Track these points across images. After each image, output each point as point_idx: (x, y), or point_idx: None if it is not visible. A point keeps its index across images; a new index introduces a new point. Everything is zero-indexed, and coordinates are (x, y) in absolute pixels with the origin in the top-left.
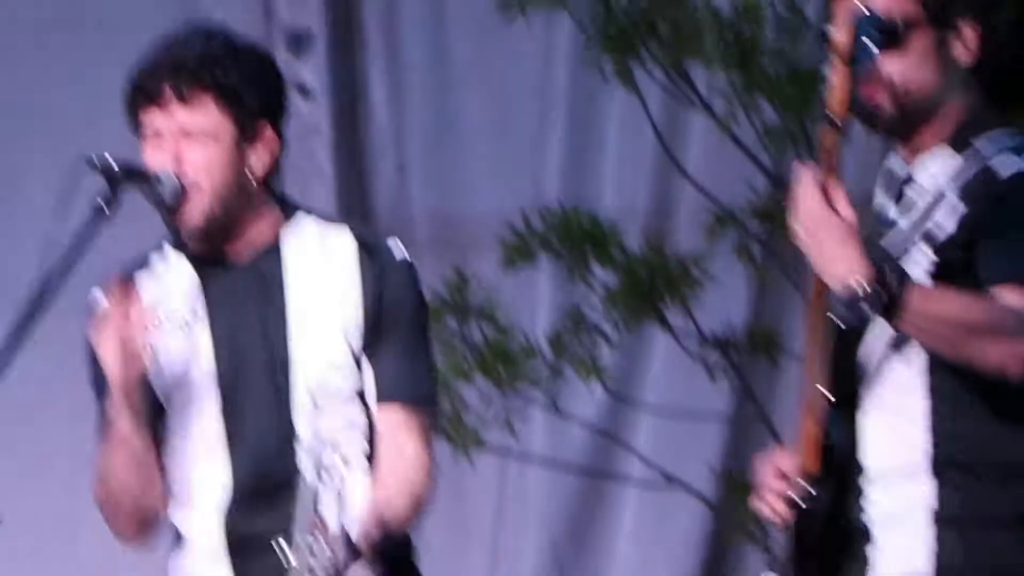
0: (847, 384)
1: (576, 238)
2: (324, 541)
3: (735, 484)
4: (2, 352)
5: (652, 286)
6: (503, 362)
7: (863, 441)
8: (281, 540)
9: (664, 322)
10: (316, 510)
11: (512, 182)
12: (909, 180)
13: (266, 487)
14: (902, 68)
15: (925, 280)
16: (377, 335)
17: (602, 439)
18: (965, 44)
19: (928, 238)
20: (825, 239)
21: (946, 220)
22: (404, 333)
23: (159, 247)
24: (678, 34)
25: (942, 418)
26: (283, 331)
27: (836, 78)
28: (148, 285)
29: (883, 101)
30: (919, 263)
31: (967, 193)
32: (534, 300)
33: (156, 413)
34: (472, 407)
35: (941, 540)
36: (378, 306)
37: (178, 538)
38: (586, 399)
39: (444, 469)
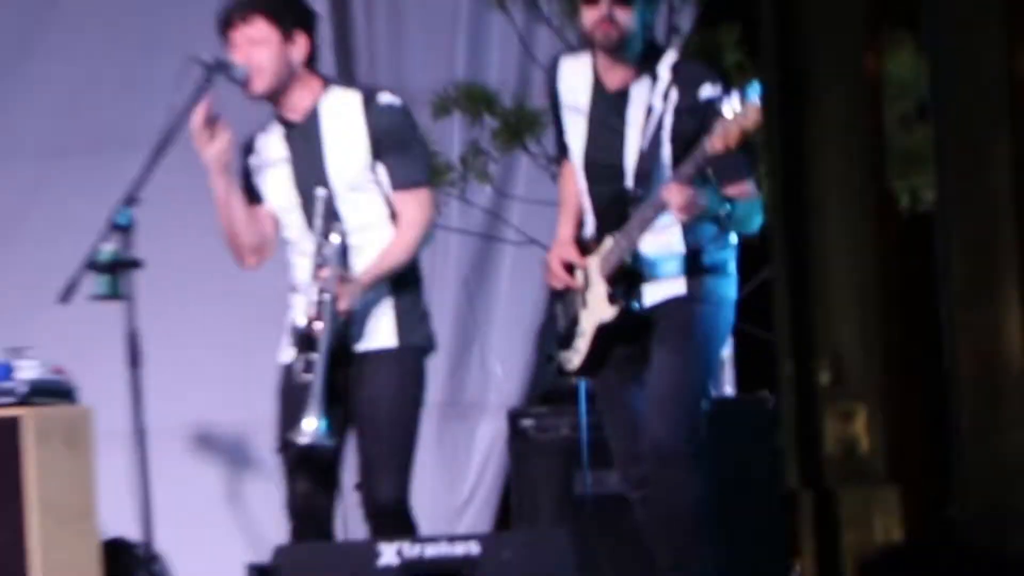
0: None
1: (475, 100)
2: (328, 281)
3: None
4: (142, 174)
5: (519, 129)
6: (433, 173)
7: None
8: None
9: (526, 149)
10: (324, 264)
11: (434, 61)
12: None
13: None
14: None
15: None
16: (379, 151)
17: (493, 218)
18: None
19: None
20: None
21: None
22: (394, 146)
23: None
24: None
25: None
26: (323, 169)
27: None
28: (263, 140)
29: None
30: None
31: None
32: (452, 136)
33: (255, 198)
34: None
35: None
36: (375, 135)
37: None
38: (479, 194)
39: None
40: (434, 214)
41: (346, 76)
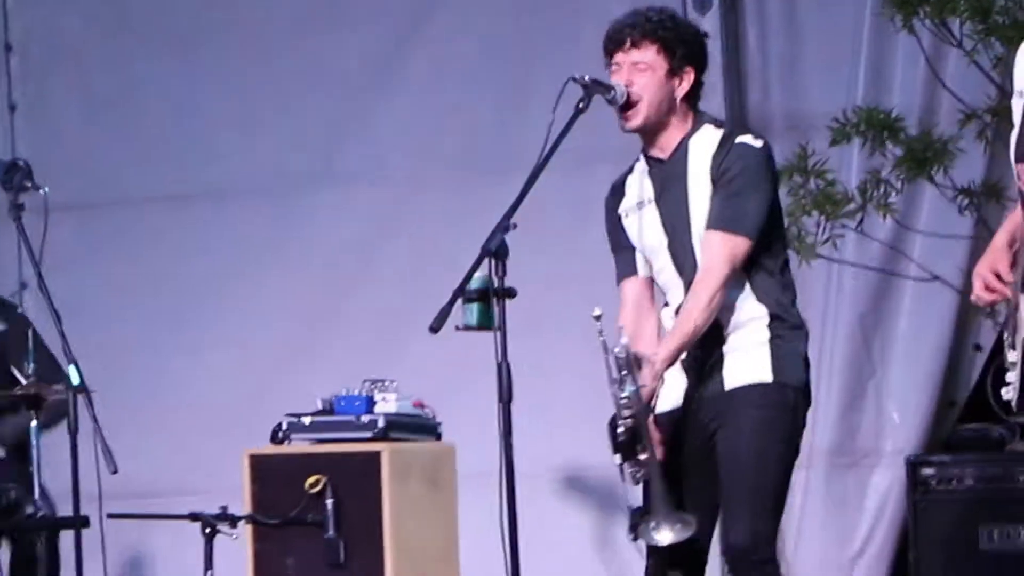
0: None
1: (876, 126)
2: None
3: None
4: (518, 198)
5: (925, 157)
6: (830, 203)
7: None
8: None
9: (931, 179)
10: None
11: (833, 85)
12: None
13: None
14: None
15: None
16: (714, 191)
17: (893, 251)
18: None
19: None
20: None
21: None
22: (731, 187)
23: (638, 158)
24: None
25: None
26: (687, 208)
27: None
28: (631, 181)
29: None
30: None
31: None
32: (850, 164)
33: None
34: (810, 231)
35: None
36: (717, 174)
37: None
38: (878, 226)
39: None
40: (737, 268)
41: (735, 101)
